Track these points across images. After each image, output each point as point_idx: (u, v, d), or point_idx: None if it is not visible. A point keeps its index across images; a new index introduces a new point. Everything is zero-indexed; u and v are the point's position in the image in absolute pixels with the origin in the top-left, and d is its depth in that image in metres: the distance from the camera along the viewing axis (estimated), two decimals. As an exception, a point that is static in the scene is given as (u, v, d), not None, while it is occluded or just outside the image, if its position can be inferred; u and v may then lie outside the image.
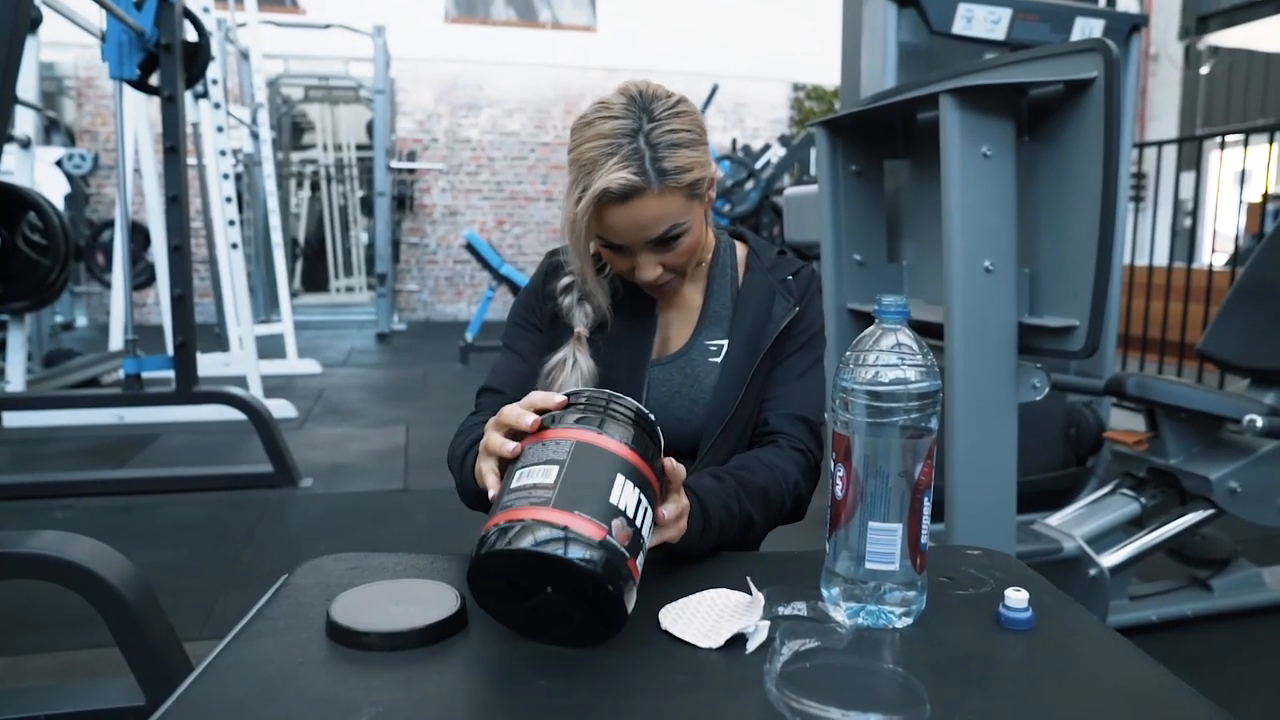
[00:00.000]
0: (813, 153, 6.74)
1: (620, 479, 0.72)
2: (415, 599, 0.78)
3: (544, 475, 0.71)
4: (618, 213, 1.00)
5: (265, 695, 0.65)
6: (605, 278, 1.15)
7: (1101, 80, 1.46)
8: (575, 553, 0.66)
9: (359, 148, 10.18)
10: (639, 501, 0.73)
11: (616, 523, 0.69)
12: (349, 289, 10.56)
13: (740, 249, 1.22)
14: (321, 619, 0.75)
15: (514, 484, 0.72)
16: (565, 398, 0.81)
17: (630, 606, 0.70)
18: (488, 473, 0.82)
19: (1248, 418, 1.94)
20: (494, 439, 0.82)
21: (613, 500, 0.70)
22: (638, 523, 0.72)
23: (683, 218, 1.03)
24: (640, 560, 0.72)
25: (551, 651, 0.72)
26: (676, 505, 0.84)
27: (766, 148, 7.47)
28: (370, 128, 8.65)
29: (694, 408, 1.13)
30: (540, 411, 0.81)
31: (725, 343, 1.15)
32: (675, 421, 1.12)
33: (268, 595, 0.84)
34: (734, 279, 1.19)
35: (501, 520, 0.69)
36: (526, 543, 0.67)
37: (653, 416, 0.81)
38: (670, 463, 0.82)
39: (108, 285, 6.46)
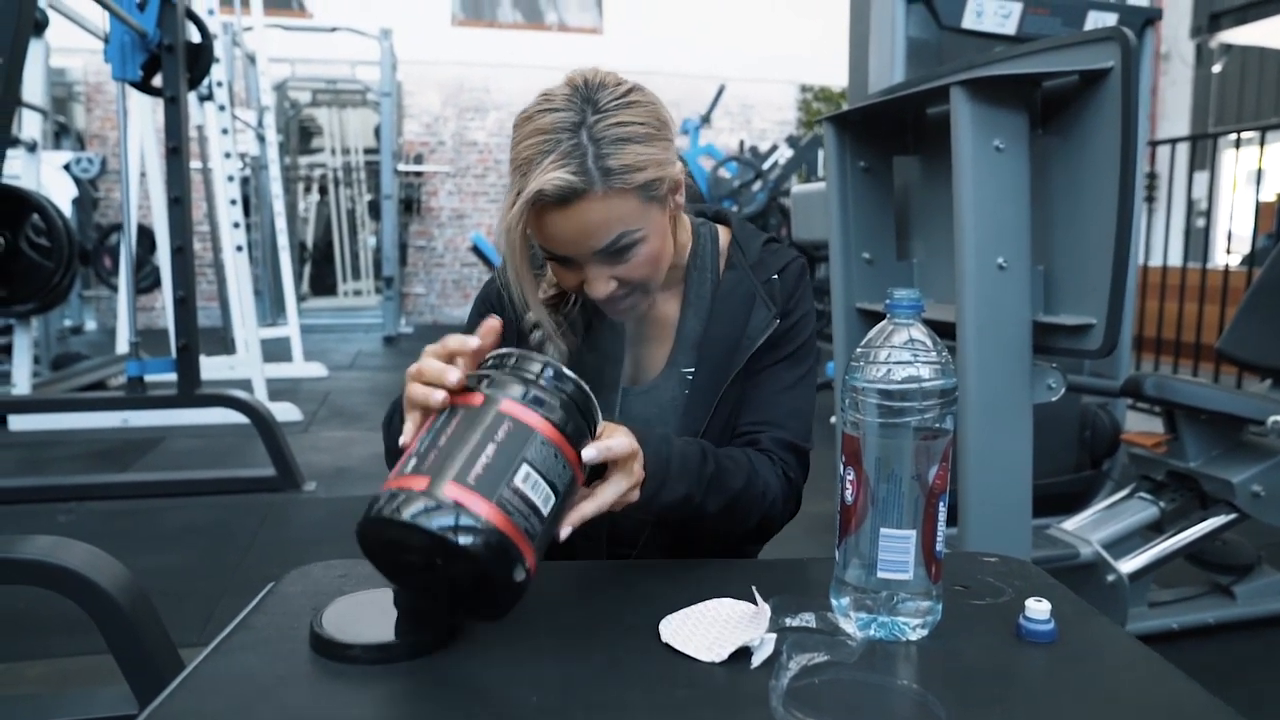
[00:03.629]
0: (820, 153, 6.70)
1: (531, 462, 0.67)
2: (405, 610, 0.75)
3: (453, 441, 0.66)
4: (557, 219, 0.87)
5: (242, 711, 0.62)
6: (573, 305, 1.03)
7: (1119, 70, 1.42)
8: (464, 538, 0.62)
9: (367, 151, 10.17)
10: (552, 485, 0.67)
11: (517, 505, 0.65)
12: (357, 292, 10.55)
13: (723, 236, 1.08)
14: (306, 630, 0.72)
15: (422, 446, 0.67)
16: (488, 352, 0.75)
17: (521, 593, 0.67)
18: (411, 427, 0.74)
19: (1272, 419, 1.89)
20: (417, 390, 0.72)
21: (517, 483, 0.65)
22: (542, 509, 0.67)
23: (635, 224, 0.89)
24: (537, 545, 0.67)
25: (545, 667, 0.69)
26: (624, 481, 0.78)
27: (774, 149, 7.43)
28: (378, 131, 8.65)
29: None
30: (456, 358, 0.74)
31: (695, 366, 1.03)
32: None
33: (252, 604, 0.80)
34: (715, 281, 1.05)
35: (394, 485, 0.65)
36: (407, 515, 0.63)
37: (587, 389, 0.73)
38: (609, 445, 0.75)
39: (115, 289, 6.46)
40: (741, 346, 1.01)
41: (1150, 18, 2.44)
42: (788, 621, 0.74)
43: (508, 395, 0.69)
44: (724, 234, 1.09)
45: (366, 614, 0.74)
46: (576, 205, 0.86)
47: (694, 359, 1.04)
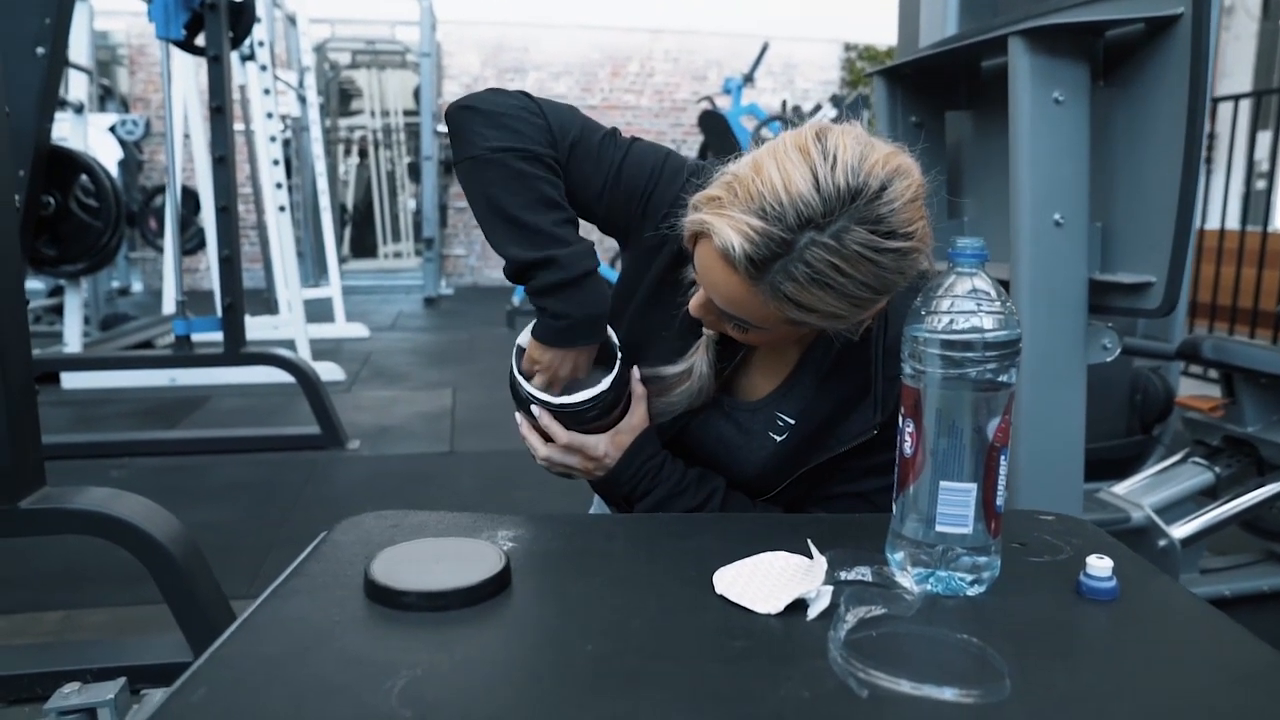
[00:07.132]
0: (864, 114, 6.56)
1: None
2: (457, 558, 0.75)
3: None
4: (710, 257, 0.80)
5: (299, 654, 0.63)
6: None
7: (1189, 17, 1.36)
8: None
9: (406, 113, 10.16)
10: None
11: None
12: (397, 254, 10.60)
13: None
14: (360, 577, 0.72)
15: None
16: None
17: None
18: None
19: (1335, 383, 1.83)
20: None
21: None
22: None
23: (764, 324, 0.83)
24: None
25: (599, 615, 0.69)
26: (577, 463, 0.99)
27: (817, 108, 7.29)
28: (417, 93, 8.62)
29: (733, 469, 0.99)
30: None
31: (794, 423, 0.96)
32: (711, 465, 1.01)
33: (306, 552, 0.81)
34: (844, 345, 0.91)
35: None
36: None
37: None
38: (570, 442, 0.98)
39: (161, 250, 6.55)
40: (828, 445, 0.94)
41: (1218, -35, 2.34)
42: (843, 575, 0.73)
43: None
44: None
45: (419, 562, 0.74)
46: (728, 269, 0.79)
47: (795, 414, 0.96)
